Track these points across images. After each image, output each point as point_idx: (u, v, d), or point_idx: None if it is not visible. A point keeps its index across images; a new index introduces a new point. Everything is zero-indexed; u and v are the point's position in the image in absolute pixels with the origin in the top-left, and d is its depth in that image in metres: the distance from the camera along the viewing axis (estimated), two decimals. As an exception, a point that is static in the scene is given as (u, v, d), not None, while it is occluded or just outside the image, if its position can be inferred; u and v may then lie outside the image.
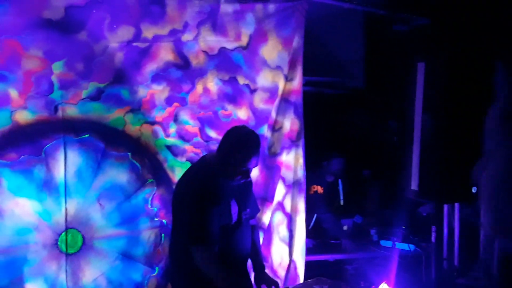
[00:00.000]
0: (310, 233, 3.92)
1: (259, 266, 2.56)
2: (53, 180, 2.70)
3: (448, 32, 3.66)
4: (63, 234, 2.75)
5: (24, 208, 2.63)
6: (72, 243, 2.78)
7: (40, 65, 2.59)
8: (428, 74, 2.95)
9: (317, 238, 4.09)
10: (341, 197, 4.37)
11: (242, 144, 2.29)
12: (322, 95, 4.57)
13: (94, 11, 2.67)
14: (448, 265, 3.36)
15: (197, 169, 2.44)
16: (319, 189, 4.20)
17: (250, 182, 2.55)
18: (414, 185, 2.95)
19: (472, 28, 3.39)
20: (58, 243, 2.74)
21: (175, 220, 2.42)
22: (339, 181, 4.35)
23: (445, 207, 3.40)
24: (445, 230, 3.39)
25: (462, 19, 3.55)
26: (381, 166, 4.40)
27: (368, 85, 4.66)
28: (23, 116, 2.61)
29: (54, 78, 2.64)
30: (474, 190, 2.70)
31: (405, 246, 3.85)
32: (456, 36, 3.42)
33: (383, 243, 4.08)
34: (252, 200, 2.56)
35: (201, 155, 3.15)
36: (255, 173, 3.10)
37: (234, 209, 2.33)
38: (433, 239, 3.43)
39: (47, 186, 2.69)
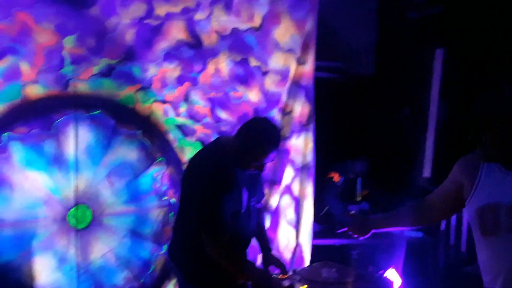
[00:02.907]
0: (319, 219, 3.93)
1: (266, 248, 2.55)
2: (63, 155, 2.72)
3: (464, 19, 3.60)
4: (73, 209, 2.77)
5: (34, 182, 2.66)
6: (82, 219, 2.81)
7: (51, 39, 2.60)
8: (446, 61, 2.90)
9: (324, 223, 4.09)
10: (358, 195, 4.40)
11: (262, 139, 2.21)
12: (334, 80, 4.53)
13: (107, -14, 2.65)
14: (455, 252, 3.35)
15: (212, 153, 2.35)
16: (336, 177, 4.22)
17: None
18: (426, 173, 2.93)
19: (488, 14, 3.33)
20: (68, 218, 2.76)
21: (184, 201, 2.38)
22: (359, 179, 4.37)
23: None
24: (453, 218, 3.37)
25: (476, 5, 3.49)
26: (392, 153, 4.37)
27: (379, 72, 4.61)
28: (34, 90, 2.62)
29: (65, 53, 2.65)
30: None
31: (412, 234, 3.84)
32: (472, 23, 3.36)
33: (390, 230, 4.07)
34: (259, 187, 2.52)
35: (211, 135, 3.15)
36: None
37: (245, 196, 2.28)
38: (442, 226, 3.42)
39: (57, 161, 2.71)
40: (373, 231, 2.16)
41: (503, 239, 1.62)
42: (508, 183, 1.65)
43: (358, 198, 4.34)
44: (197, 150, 2.88)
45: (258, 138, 2.22)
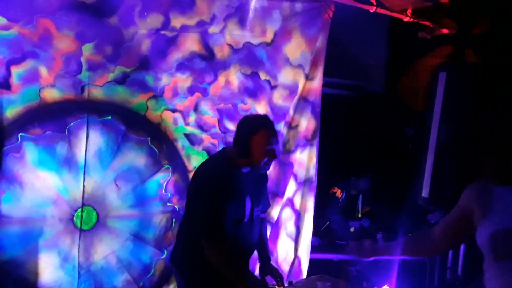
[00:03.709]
0: (318, 232, 3.99)
1: (265, 257, 2.61)
2: (73, 157, 2.79)
3: (472, 44, 3.66)
4: (79, 210, 2.84)
5: (44, 182, 2.72)
6: (87, 220, 2.87)
7: (71, 46, 2.67)
8: (449, 85, 2.96)
9: (324, 237, 4.15)
10: (359, 211, 4.46)
11: (255, 126, 2.31)
12: (341, 96, 4.59)
13: (126, -3, 2.74)
14: (451, 274, 3.39)
15: (217, 161, 2.44)
16: (339, 192, 4.29)
17: (266, 177, 2.58)
18: (425, 193, 2.98)
19: (496, 42, 3.39)
20: (74, 218, 2.83)
21: (189, 208, 2.45)
22: (360, 196, 4.43)
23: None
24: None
25: (486, 32, 3.55)
26: (394, 171, 4.43)
27: (388, 91, 4.67)
28: (51, 94, 2.70)
29: (83, 59, 2.72)
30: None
31: (410, 253, 3.87)
32: (480, 49, 3.42)
33: (389, 248, 4.11)
34: (264, 196, 2.58)
35: (218, 146, 3.22)
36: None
37: (248, 205, 2.35)
38: (439, 248, 3.45)
39: (68, 163, 2.78)
40: (375, 257, 2.19)
41: None
42: None
43: (359, 215, 4.39)
44: (204, 159, 2.98)
45: (251, 128, 2.32)
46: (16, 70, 2.59)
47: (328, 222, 4.26)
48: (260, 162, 2.32)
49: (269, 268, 2.58)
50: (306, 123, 3.47)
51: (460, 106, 2.89)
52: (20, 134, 2.64)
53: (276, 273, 2.56)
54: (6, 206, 2.64)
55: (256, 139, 2.29)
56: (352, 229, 4.30)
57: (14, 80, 2.60)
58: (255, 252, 2.60)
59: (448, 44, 4.00)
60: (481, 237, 1.74)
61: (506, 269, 1.66)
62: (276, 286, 2.50)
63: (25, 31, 2.56)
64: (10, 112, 2.61)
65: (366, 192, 4.42)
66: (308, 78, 3.42)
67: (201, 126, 3.18)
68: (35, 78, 2.64)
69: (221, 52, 3.13)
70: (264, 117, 2.43)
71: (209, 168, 2.42)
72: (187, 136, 3.14)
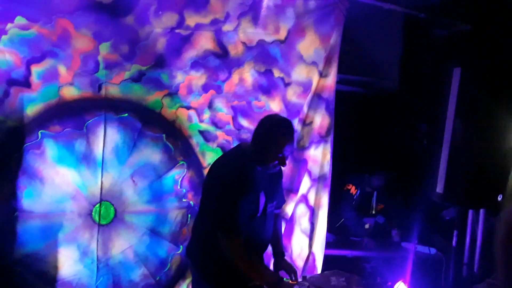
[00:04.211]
0: (333, 229, 4.00)
1: (279, 253, 2.63)
2: (92, 154, 2.87)
3: (487, 39, 3.62)
4: (97, 205, 2.91)
5: (64, 178, 2.80)
6: (105, 215, 2.94)
7: (88, 45, 2.75)
8: (464, 80, 2.94)
9: (338, 233, 4.15)
10: (374, 208, 4.46)
11: (276, 130, 2.33)
12: (355, 93, 4.59)
13: (142, -4, 2.79)
14: (467, 271, 3.36)
15: (233, 157, 2.48)
16: (353, 189, 4.29)
17: (281, 174, 2.59)
18: (439, 188, 2.96)
19: (511, 38, 3.35)
20: (92, 213, 2.90)
21: (204, 203, 2.50)
22: (375, 193, 4.43)
23: (470, 212, 3.39)
24: (468, 236, 3.39)
25: (502, 27, 3.51)
26: (408, 168, 4.41)
27: (402, 87, 4.64)
28: (70, 92, 2.77)
29: (100, 58, 2.79)
30: (499, 198, 2.70)
31: (425, 249, 3.87)
32: (495, 45, 3.39)
33: (404, 244, 4.11)
34: (279, 192, 2.61)
35: (232, 142, 3.26)
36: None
37: (262, 201, 2.37)
38: (454, 243, 3.44)
39: (86, 159, 2.86)
40: None
41: None
42: None
43: (373, 212, 4.39)
44: (219, 155, 3.02)
45: (273, 129, 2.33)
46: (36, 69, 2.67)
47: (343, 219, 4.26)
48: (269, 164, 2.36)
49: (283, 263, 2.61)
50: (320, 119, 3.48)
51: (474, 101, 2.87)
52: (40, 131, 2.73)
53: (289, 268, 2.58)
54: (27, 201, 2.72)
55: (273, 144, 2.31)
56: (367, 226, 4.29)
57: (34, 78, 2.68)
58: (270, 248, 2.63)
59: (462, 40, 3.97)
60: None
61: None
62: (289, 281, 2.52)
63: (44, 30, 2.64)
64: (31, 110, 2.69)
65: (380, 189, 4.41)
66: (322, 75, 3.43)
67: (215, 123, 3.22)
68: (54, 77, 2.72)
69: (235, 49, 3.16)
70: (287, 124, 2.40)
71: (224, 164, 2.46)
72: (201, 133, 3.19)
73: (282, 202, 2.69)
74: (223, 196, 2.29)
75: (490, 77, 2.90)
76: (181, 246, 3.17)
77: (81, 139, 2.82)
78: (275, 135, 2.32)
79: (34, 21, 2.61)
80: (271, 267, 2.69)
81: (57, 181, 2.78)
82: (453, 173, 2.93)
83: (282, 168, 2.56)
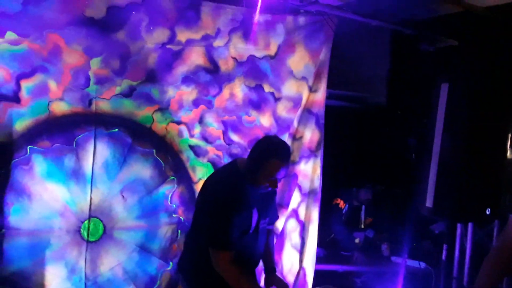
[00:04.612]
0: (323, 243, 4.00)
1: (271, 268, 2.62)
2: (81, 169, 2.83)
3: (474, 55, 3.69)
4: (86, 222, 2.87)
5: (52, 194, 2.76)
6: (94, 231, 2.90)
7: (79, 60, 2.73)
8: (451, 95, 3.00)
9: (328, 248, 4.15)
10: (363, 222, 4.49)
11: (272, 153, 2.31)
12: (344, 108, 4.63)
13: (133, 12, 2.79)
14: (457, 284, 3.38)
15: (226, 173, 2.47)
16: (341, 203, 4.32)
17: (275, 191, 2.58)
18: (429, 203, 2.99)
19: (498, 53, 3.42)
20: (81, 230, 2.86)
21: (196, 218, 2.49)
22: (363, 207, 4.46)
23: (458, 226, 3.42)
24: (457, 250, 3.41)
25: (488, 43, 3.58)
26: (398, 182, 4.45)
27: (391, 102, 4.70)
28: (60, 107, 2.75)
29: (91, 73, 2.78)
30: (488, 211, 2.73)
31: (415, 263, 3.88)
32: (481, 60, 3.45)
33: (394, 259, 4.12)
34: (272, 208, 2.60)
35: (222, 157, 3.26)
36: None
37: (254, 217, 2.37)
38: (443, 257, 3.46)
39: (75, 175, 2.82)
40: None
41: None
42: None
43: (362, 226, 4.40)
44: (214, 170, 3.02)
45: (268, 153, 2.32)
46: (25, 84, 2.65)
47: (333, 234, 4.27)
48: (261, 185, 2.35)
49: (274, 278, 2.59)
50: (310, 134, 3.50)
51: (462, 116, 2.92)
52: (29, 146, 2.69)
53: (280, 284, 2.57)
54: (14, 218, 2.68)
55: (267, 166, 2.30)
56: (357, 240, 4.30)
57: (24, 93, 2.66)
58: (261, 263, 2.62)
59: (449, 56, 4.04)
60: None
61: None
62: (280, 297, 2.51)
63: (34, 46, 2.62)
64: (20, 125, 2.66)
65: (368, 202, 4.44)
66: (311, 90, 3.46)
67: (206, 138, 3.21)
68: (44, 92, 2.70)
69: (225, 65, 3.18)
70: (283, 147, 2.39)
71: (218, 180, 2.46)
72: (192, 148, 3.18)
73: (275, 218, 2.68)
74: (216, 212, 2.28)
75: (477, 91, 2.96)
76: (171, 263, 3.14)
77: (71, 155, 2.79)
78: (270, 159, 2.30)
79: (25, 36, 2.59)
80: (262, 283, 2.67)
81: (45, 197, 2.74)
82: (442, 187, 2.96)
83: None
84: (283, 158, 2.34)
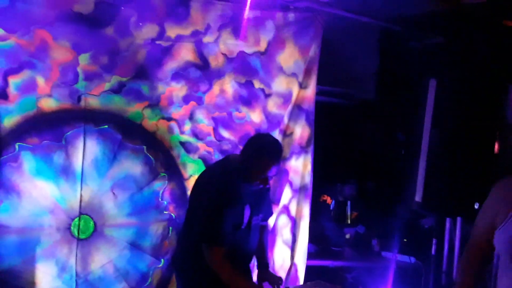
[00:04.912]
0: (314, 239, 4.01)
1: (263, 264, 2.63)
2: (71, 166, 2.81)
3: (460, 51, 3.73)
4: (76, 219, 2.85)
5: (42, 191, 2.74)
6: (84, 229, 2.88)
7: (67, 56, 2.71)
8: (439, 91, 3.03)
9: (319, 244, 4.17)
10: (348, 217, 4.52)
11: (264, 152, 2.35)
12: (334, 104, 4.65)
13: (122, 8, 2.78)
14: (446, 279, 3.42)
15: (218, 169, 2.49)
16: (328, 199, 4.34)
17: (268, 188, 2.60)
18: (418, 197, 3.03)
19: (485, 49, 3.46)
20: (71, 227, 2.84)
21: (189, 214, 2.51)
22: (348, 202, 4.49)
23: (447, 220, 3.46)
24: (446, 244, 3.45)
25: (476, 40, 3.62)
26: (387, 177, 4.48)
27: (379, 98, 4.73)
28: (48, 104, 2.72)
29: (79, 69, 2.76)
30: (476, 206, 2.77)
31: (405, 258, 3.91)
32: (468, 55, 3.49)
33: (384, 254, 4.15)
34: (266, 205, 2.62)
35: (213, 154, 3.26)
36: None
37: (247, 213, 2.39)
38: (433, 251, 3.50)
39: (65, 172, 2.80)
40: None
41: None
42: None
43: (349, 221, 4.44)
44: (206, 166, 3.02)
45: (260, 151, 2.35)
46: (13, 80, 2.62)
47: (323, 230, 4.29)
48: (252, 182, 2.38)
49: (266, 274, 2.61)
50: (301, 130, 3.51)
51: (450, 111, 2.96)
52: (18, 143, 2.66)
53: (273, 279, 2.58)
54: (3, 216, 2.65)
55: (258, 164, 2.34)
56: (347, 236, 4.33)
57: (12, 90, 2.63)
58: (254, 259, 2.63)
59: (436, 52, 4.07)
60: (500, 238, 1.73)
61: None
62: (272, 292, 2.52)
63: (22, 41, 2.60)
64: (8, 122, 2.63)
65: (353, 197, 4.48)
66: (301, 86, 3.47)
67: (196, 135, 3.21)
68: (32, 88, 2.67)
69: (215, 61, 3.17)
70: (275, 146, 2.42)
71: (210, 176, 2.47)
72: (182, 144, 3.17)
73: (269, 214, 2.70)
74: (208, 208, 2.29)
75: (465, 87, 2.99)
76: (162, 260, 3.13)
77: (60, 152, 2.77)
78: (261, 158, 2.34)
79: (12, 31, 2.57)
80: (255, 278, 2.68)
81: (34, 194, 2.72)
82: (431, 182, 3.00)
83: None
84: (274, 156, 2.36)
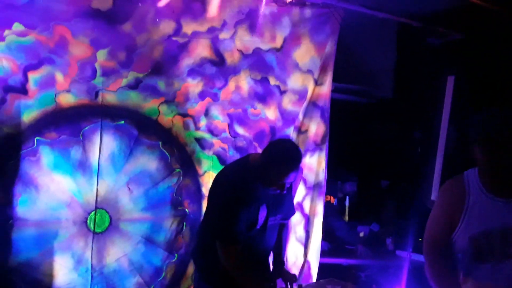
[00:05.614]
0: (327, 237, 4.01)
1: (279, 261, 2.64)
2: (87, 161, 2.85)
3: (480, 48, 3.67)
4: (92, 213, 2.89)
5: (59, 185, 2.78)
6: (100, 223, 2.92)
7: (86, 52, 2.74)
8: (457, 88, 2.99)
9: (333, 241, 4.16)
10: (347, 214, 4.52)
11: (283, 159, 2.30)
12: (350, 102, 4.62)
13: (140, 4, 2.80)
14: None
15: (237, 167, 2.49)
16: (332, 199, 4.34)
17: (290, 188, 2.55)
18: (434, 196, 3.00)
19: (504, 46, 3.40)
20: (87, 221, 2.88)
21: (207, 210, 2.53)
22: (347, 198, 4.49)
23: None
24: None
25: (495, 36, 3.56)
26: (403, 176, 4.44)
27: (397, 95, 4.68)
28: (66, 99, 2.76)
29: (97, 65, 2.79)
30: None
31: (420, 257, 3.87)
32: (487, 53, 3.44)
33: (398, 252, 4.12)
34: (286, 205, 2.57)
35: (228, 150, 3.26)
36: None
37: (262, 213, 2.38)
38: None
39: (82, 167, 2.84)
40: None
41: (498, 265, 1.66)
42: (497, 209, 1.69)
43: (346, 217, 4.44)
44: (220, 163, 3.03)
45: (280, 158, 2.31)
46: (32, 76, 2.66)
47: (333, 231, 4.29)
48: (269, 187, 2.35)
49: (281, 271, 2.61)
50: (316, 127, 3.50)
51: (468, 109, 2.92)
52: (36, 138, 2.71)
53: (287, 276, 2.58)
54: (22, 209, 2.70)
55: (275, 171, 2.29)
56: (361, 234, 4.30)
57: (31, 85, 2.67)
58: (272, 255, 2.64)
59: (456, 49, 4.01)
60: (459, 240, 1.74)
61: (489, 270, 1.67)
62: (284, 290, 2.52)
63: (41, 37, 2.63)
64: (27, 117, 2.68)
65: (353, 194, 4.47)
66: (317, 83, 3.45)
67: (211, 131, 3.22)
68: (51, 84, 2.71)
69: (231, 57, 3.17)
70: (295, 153, 2.35)
71: (229, 174, 2.48)
72: (197, 140, 3.19)
73: (290, 213, 2.67)
74: (223, 206, 2.30)
75: (483, 84, 2.95)
76: (176, 255, 3.16)
77: (77, 146, 2.81)
78: (280, 165, 2.29)
79: (32, 27, 2.60)
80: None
81: (52, 188, 2.76)
82: (447, 180, 2.96)
83: None
84: (293, 164, 2.31)
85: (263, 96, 3.33)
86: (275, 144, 2.45)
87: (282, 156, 2.31)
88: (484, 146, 1.68)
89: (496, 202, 1.70)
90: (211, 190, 2.50)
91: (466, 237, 1.72)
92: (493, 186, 1.72)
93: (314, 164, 3.54)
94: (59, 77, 2.72)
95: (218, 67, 3.15)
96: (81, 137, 2.82)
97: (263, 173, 2.32)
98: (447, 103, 3.02)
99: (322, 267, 3.60)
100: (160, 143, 3.06)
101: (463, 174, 1.82)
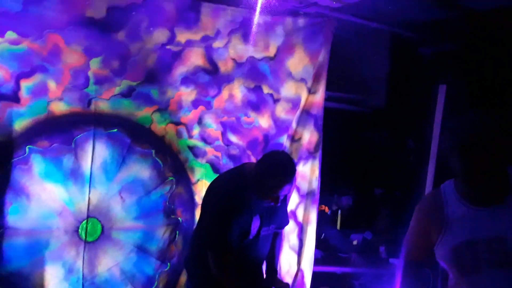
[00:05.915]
0: (321, 245, 4.01)
1: (272, 270, 2.63)
2: (79, 169, 2.83)
3: (471, 57, 3.71)
4: (84, 222, 2.87)
5: (51, 194, 2.76)
6: (92, 232, 2.90)
7: (79, 60, 2.74)
8: (449, 97, 3.02)
9: (326, 250, 4.16)
10: (338, 225, 4.54)
11: (277, 172, 2.29)
12: (343, 110, 4.64)
13: (133, 13, 2.80)
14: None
15: (231, 177, 2.48)
16: (326, 209, 4.36)
17: (285, 198, 2.57)
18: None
19: (495, 55, 3.44)
20: (79, 230, 2.86)
21: (200, 218, 2.53)
22: (339, 211, 4.51)
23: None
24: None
25: (486, 46, 3.60)
26: (396, 184, 4.46)
27: (389, 104, 4.71)
28: (59, 107, 2.75)
29: (90, 73, 2.78)
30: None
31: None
32: (478, 62, 3.47)
33: (392, 260, 4.12)
34: (280, 216, 2.57)
35: (221, 158, 3.26)
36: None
37: (255, 224, 2.37)
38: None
39: (74, 175, 2.82)
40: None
41: (484, 276, 1.61)
42: (479, 219, 1.63)
43: (338, 226, 4.46)
44: (213, 171, 3.01)
45: (274, 171, 2.30)
46: (25, 84, 2.65)
47: (323, 234, 4.29)
48: (263, 199, 2.35)
49: (274, 280, 2.60)
50: (309, 136, 3.50)
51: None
52: (28, 146, 2.69)
53: (280, 285, 2.58)
54: (12, 218, 2.68)
55: (269, 184, 2.29)
56: (355, 242, 4.31)
57: (23, 93, 2.66)
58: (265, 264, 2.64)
59: (447, 58, 4.06)
60: (441, 253, 1.70)
61: (475, 282, 1.63)
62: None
63: (34, 45, 2.62)
64: (19, 125, 2.67)
65: (349, 207, 4.51)
66: (310, 92, 3.45)
67: (204, 139, 3.22)
68: (44, 92, 2.70)
69: (225, 66, 3.18)
70: (289, 167, 2.35)
71: (222, 183, 2.47)
72: (191, 148, 3.18)
73: (284, 223, 2.67)
74: (214, 214, 2.30)
75: (474, 93, 2.98)
76: (168, 264, 3.14)
77: (69, 155, 2.80)
78: (274, 178, 2.28)
79: (25, 36, 2.60)
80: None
81: (43, 197, 2.74)
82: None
83: None
84: (287, 177, 2.31)
85: (256, 104, 3.34)
86: (269, 156, 2.42)
87: (277, 169, 2.30)
88: (461, 152, 1.58)
89: (478, 212, 1.65)
90: (205, 199, 2.50)
91: (448, 248, 1.67)
92: (472, 195, 1.66)
93: (307, 172, 3.54)
94: (51, 85, 2.71)
95: (211, 76, 3.15)
96: (73, 146, 2.81)
97: (257, 185, 2.31)
98: (438, 112, 3.04)
99: (315, 275, 3.59)
100: (153, 151, 3.05)
101: (439, 188, 1.78)
